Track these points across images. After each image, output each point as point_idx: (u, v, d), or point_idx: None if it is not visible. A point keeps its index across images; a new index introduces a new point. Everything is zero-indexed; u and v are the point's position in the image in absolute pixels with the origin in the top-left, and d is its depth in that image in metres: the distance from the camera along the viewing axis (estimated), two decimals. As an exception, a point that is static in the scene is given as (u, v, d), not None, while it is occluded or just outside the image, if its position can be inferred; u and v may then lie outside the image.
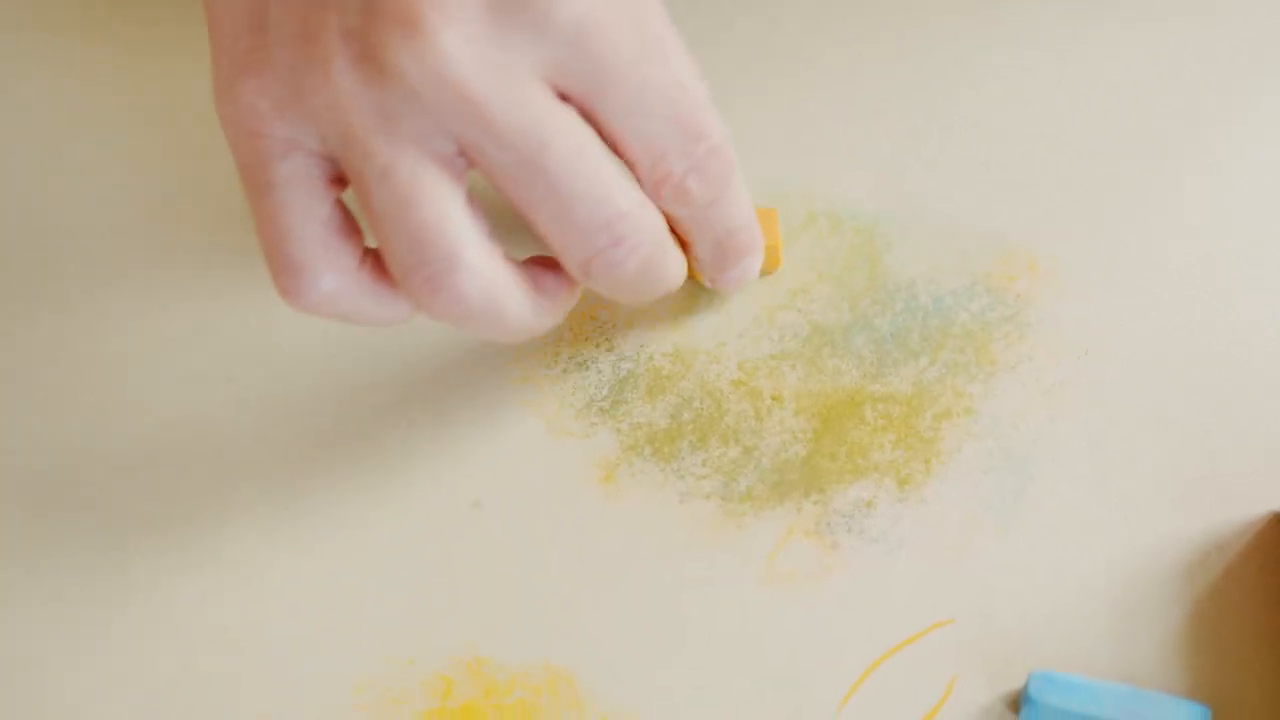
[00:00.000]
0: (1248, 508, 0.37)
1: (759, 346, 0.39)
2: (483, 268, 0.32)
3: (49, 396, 0.39)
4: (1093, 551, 0.36)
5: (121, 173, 0.43)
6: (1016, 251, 0.41)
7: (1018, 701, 0.34)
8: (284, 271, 0.33)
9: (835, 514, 0.37)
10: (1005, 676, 0.35)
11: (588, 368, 0.39)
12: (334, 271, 0.33)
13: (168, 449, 0.38)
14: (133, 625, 0.36)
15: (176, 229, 0.42)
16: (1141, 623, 0.35)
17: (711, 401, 0.39)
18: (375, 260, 0.34)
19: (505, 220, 0.34)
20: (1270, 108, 0.43)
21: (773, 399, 0.39)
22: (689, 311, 0.40)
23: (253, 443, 0.38)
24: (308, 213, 0.32)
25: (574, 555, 0.37)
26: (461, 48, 0.31)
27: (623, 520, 0.37)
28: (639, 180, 0.34)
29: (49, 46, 0.46)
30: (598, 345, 0.40)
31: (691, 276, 0.39)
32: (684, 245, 0.37)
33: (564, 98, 0.32)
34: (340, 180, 0.33)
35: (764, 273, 0.40)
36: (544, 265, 0.35)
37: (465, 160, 0.32)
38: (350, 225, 0.33)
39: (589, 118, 0.33)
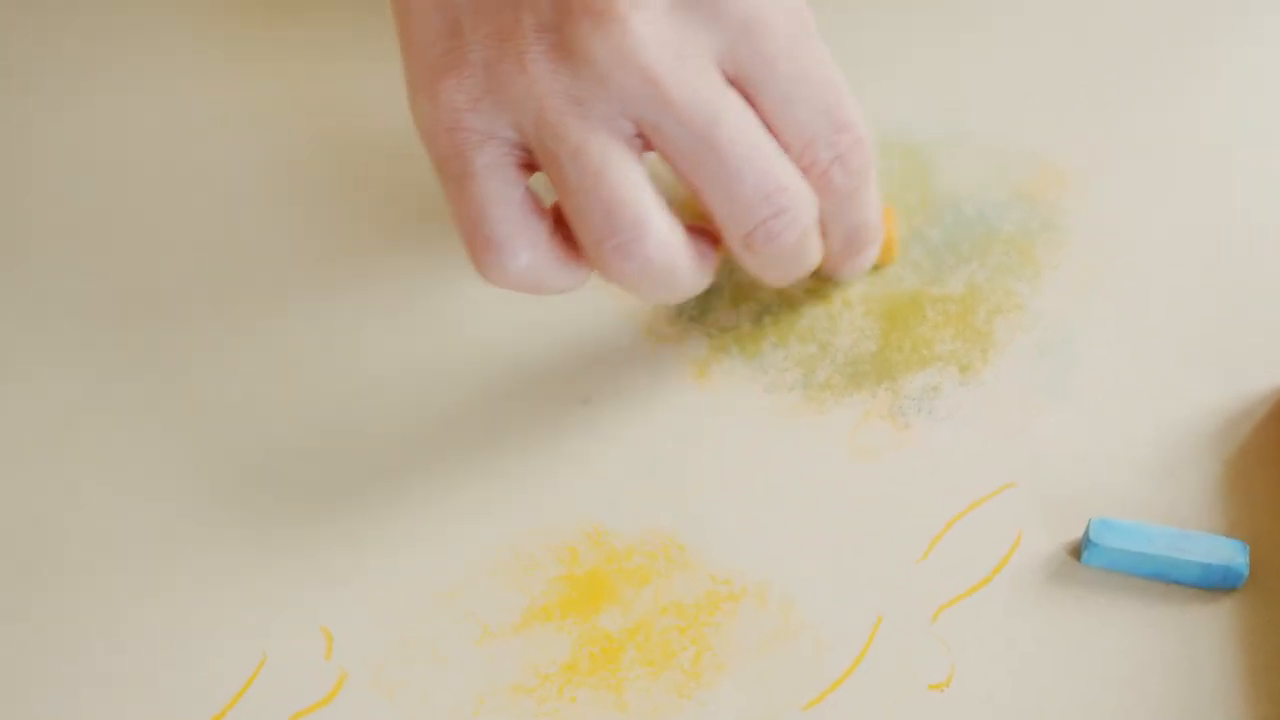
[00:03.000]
0: (1268, 377, 0.41)
1: (828, 258, 0.44)
2: (667, 235, 0.36)
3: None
4: (1136, 419, 0.41)
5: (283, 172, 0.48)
6: (1049, 164, 0.46)
7: (1078, 549, 0.39)
8: (484, 249, 0.36)
9: (906, 398, 0.42)
10: (1065, 529, 0.39)
11: (675, 282, 0.44)
12: (529, 247, 0.36)
13: (317, 362, 0.43)
14: (291, 501, 0.41)
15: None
16: (1183, 478, 0.40)
17: (788, 307, 0.43)
18: (561, 235, 0.37)
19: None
20: (1264, 24, 0.49)
21: (843, 303, 0.43)
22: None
23: (389, 354, 0.43)
24: (504, 196, 0.36)
25: (676, 438, 0.41)
26: (646, 33, 0.34)
27: (717, 407, 0.42)
28: None
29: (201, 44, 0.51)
30: (682, 263, 0.44)
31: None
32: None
33: (731, 83, 0.36)
34: (529, 167, 0.37)
35: (879, 265, 0.44)
36: (701, 234, 0.38)
37: (641, 142, 0.36)
38: (539, 206, 0.37)
39: (751, 103, 0.36)
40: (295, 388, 0.43)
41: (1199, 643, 0.37)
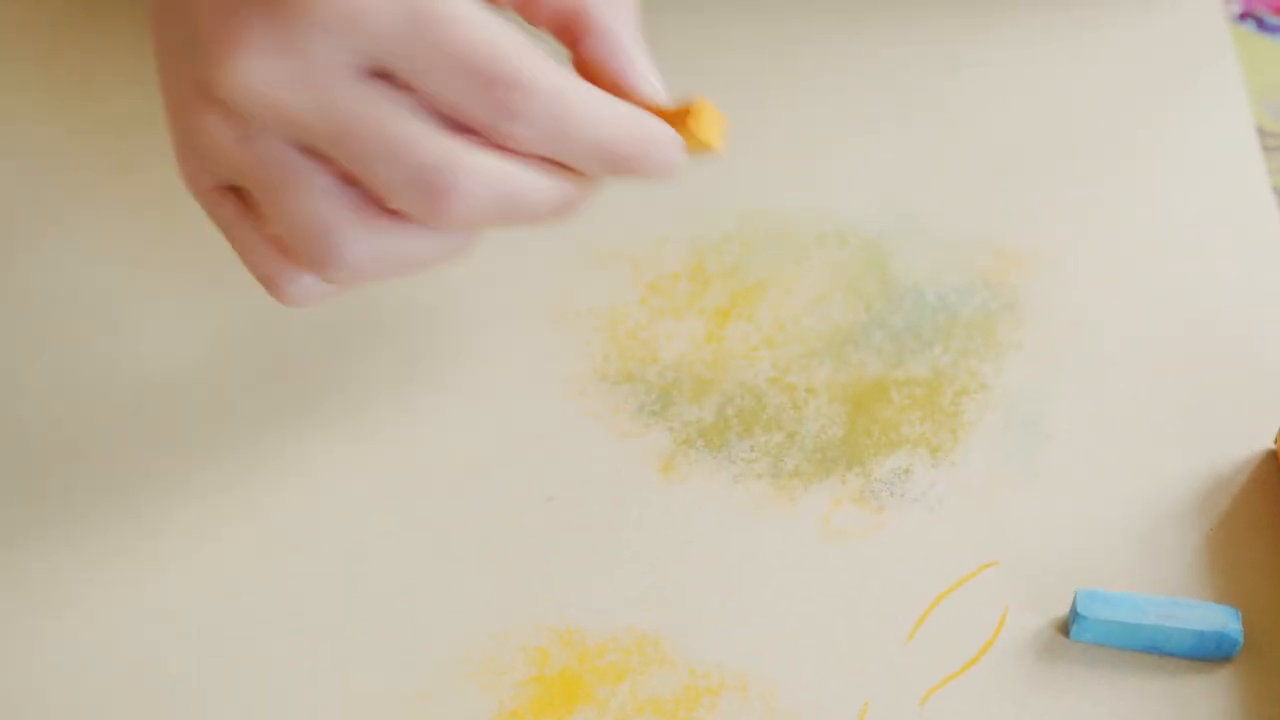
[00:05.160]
0: (1243, 445, 0.41)
1: (789, 349, 0.44)
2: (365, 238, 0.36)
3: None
4: (1112, 490, 0.40)
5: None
6: (1005, 248, 0.46)
7: (1065, 624, 0.38)
8: (265, 286, 0.38)
9: (877, 482, 0.41)
10: (1051, 604, 0.38)
11: (635, 379, 0.43)
12: (293, 281, 0.37)
13: (272, 469, 0.41)
14: (258, 611, 0.38)
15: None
16: (1166, 547, 0.39)
17: (752, 398, 0.43)
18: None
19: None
20: (1207, 104, 0.50)
21: (807, 391, 0.43)
22: (721, 325, 0.44)
23: (350, 460, 0.42)
24: (254, 241, 0.37)
25: (644, 532, 0.40)
26: (259, 66, 0.34)
27: (685, 500, 0.40)
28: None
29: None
30: (642, 360, 0.44)
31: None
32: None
33: (379, 76, 0.35)
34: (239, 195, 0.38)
35: (697, 153, 0.37)
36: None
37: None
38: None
39: (404, 88, 0.35)
40: (254, 506, 0.41)
41: (1196, 717, 0.36)
